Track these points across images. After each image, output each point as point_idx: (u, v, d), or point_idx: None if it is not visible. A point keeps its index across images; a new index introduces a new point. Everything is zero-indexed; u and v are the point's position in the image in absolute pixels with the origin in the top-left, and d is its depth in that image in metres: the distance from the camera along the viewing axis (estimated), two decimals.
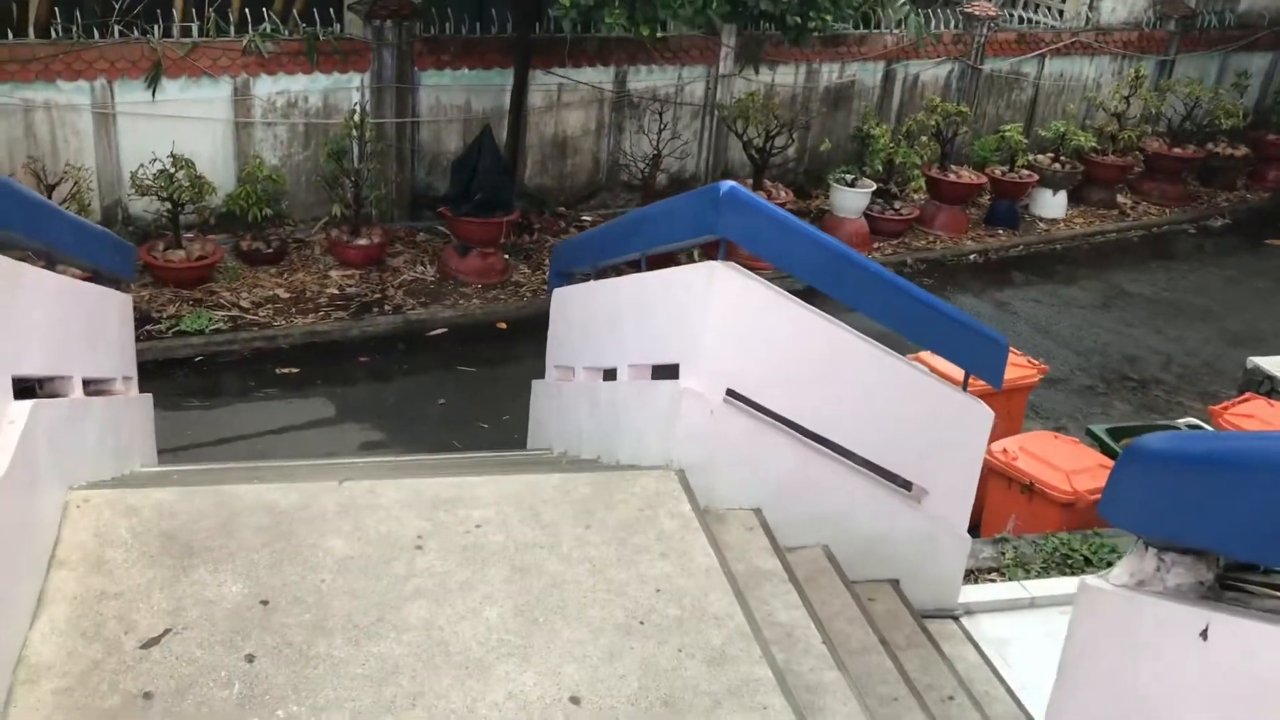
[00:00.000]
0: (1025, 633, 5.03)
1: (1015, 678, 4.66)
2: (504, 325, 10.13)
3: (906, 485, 4.79)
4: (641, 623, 3.44)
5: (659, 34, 11.25)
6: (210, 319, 9.29)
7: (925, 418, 4.54)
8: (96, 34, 9.60)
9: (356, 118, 10.22)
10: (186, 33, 9.91)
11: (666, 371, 4.55)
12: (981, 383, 4.74)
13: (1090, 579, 2.39)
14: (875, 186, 12.42)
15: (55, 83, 9.42)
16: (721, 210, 3.98)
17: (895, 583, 4.76)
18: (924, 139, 12.58)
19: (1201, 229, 14.55)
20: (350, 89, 10.67)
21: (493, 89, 11.35)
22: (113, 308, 5.21)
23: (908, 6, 12.00)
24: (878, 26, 13.36)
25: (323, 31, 10.41)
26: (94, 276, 5.18)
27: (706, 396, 4.19)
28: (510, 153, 11.16)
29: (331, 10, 10.67)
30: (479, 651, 3.24)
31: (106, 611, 3.23)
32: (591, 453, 5.32)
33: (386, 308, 9.92)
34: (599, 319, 5.44)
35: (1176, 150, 14.86)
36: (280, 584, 3.43)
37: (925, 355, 6.19)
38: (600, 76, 11.85)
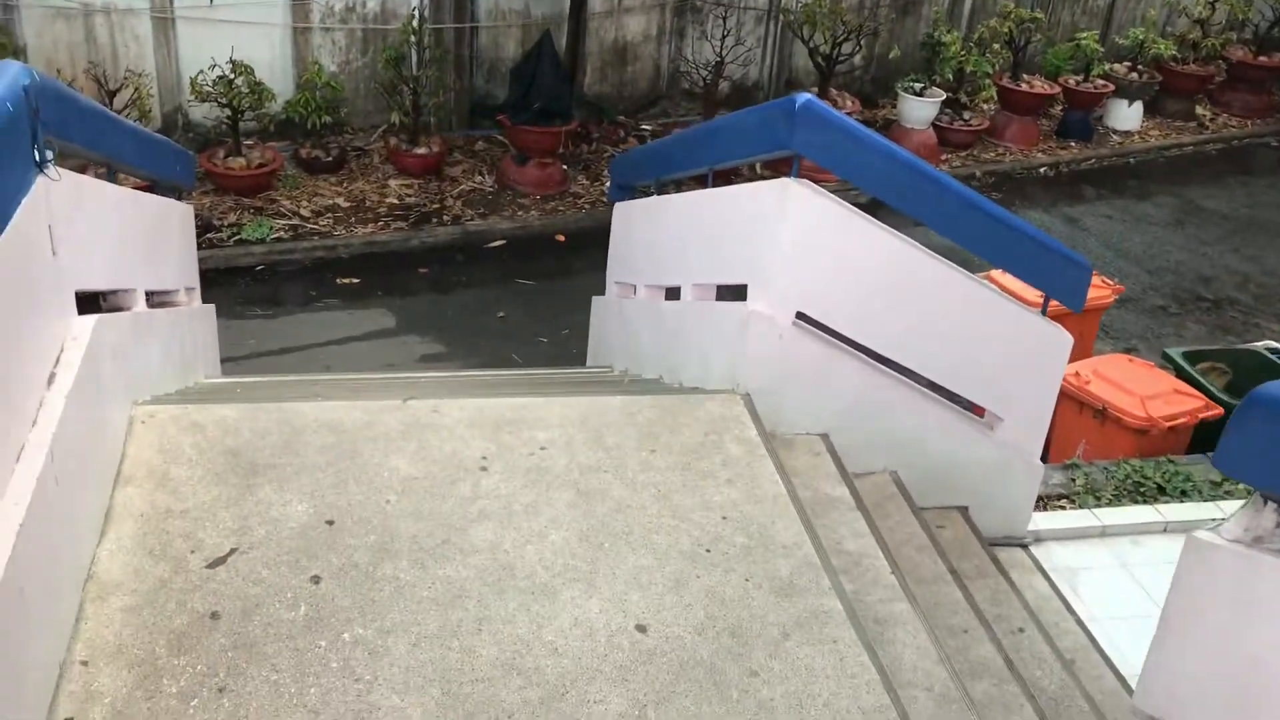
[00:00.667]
0: (1096, 562, 4.93)
1: (1085, 609, 4.58)
2: (562, 238, 10.02)
3: (978, 412, 4.67)
4: (708, 551, 3.38)
5: None
6: (271, 227, 9.27)
7: (1001, 342, 4.40)
8: None
9: (415, 23, 10.03)
10: None
11: (732, 292, 4.43)
12: (1056, 304, 4.58)
13: (1201, 533, 2.27)
14: (944, 96, 12.04)
15: None
16: (796, 125, 3.82)
17: (964, 510, 4.67)
18: (996, 46, 12.13)
19: None
20: None
21: None
22: (174, 218, 5.18)
23: None
24: None
25: None
26: (154, 186, 5.14)
27: (776, 320, 4.08)
28: (570, 59, 10.93)
29: None
30: (545, 576, 3.21)
31: (173, 529, 3.23)
32: (653, 373, 5.25)
33: (445, 218, 9.84)
34: (662, 236, 5.32)
35: (1263, 59, 14.24)
36: (345, 504, 3.41)
37: (995, 274, 6.01)
38: None
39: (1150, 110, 13.70)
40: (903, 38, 12.81)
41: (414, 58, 10.22)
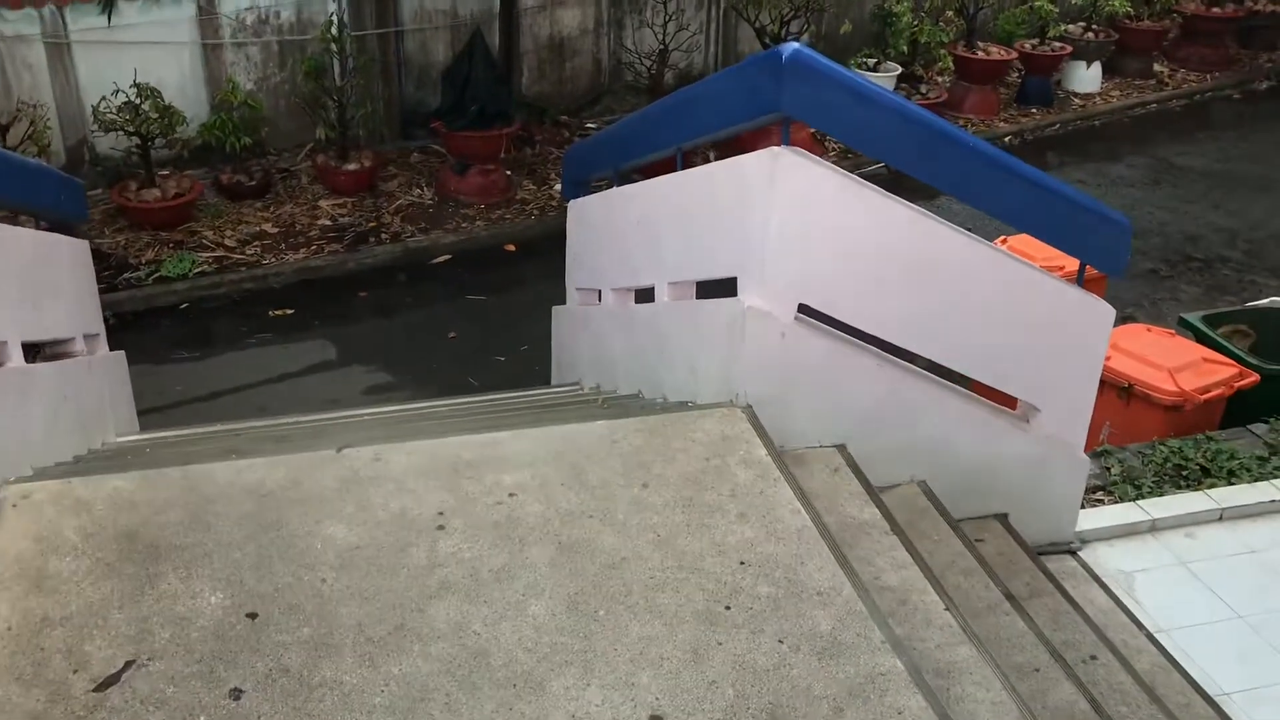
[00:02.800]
0: (1152, 562, 4.33)
1: (1151, 620, 3.97)
2: (513, 247, 9.33)
3: (1010, 404, 4.05)
4: (727, 608, 2.72)
5: None
6: (194, 261, 8.51)
7: (1035, 322, 3.78)
8: None
9: (334, 30, 9.31)
10: None
11: (717, 288, 3.79)
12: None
13: None
14: (900, 70, 11.49)
15: (0, 13, 8.52)
16: (784, 81, 3.18)
17: (1003, 517, 4.05)
18: (950, 14, 11.61)
19: (1246, 94, 13.59)
20: None
21: None
22: (62, 256, 4.46)
23: None
24: None
25: None
26: (41, 221, 4.42)
27: (776, 315, 3.43)
28: (504, 58, 10.26)
29: None
30: (528, 662, 2.53)
31: (51, 644, 2.53)
32: (630, 387, 4.59)
33: (384, 236, 9.12)
34: (629, 232, 4.66)
35: (1215, 10, 13.83)
36: (270, 589, 2.72)
37: (1012, 241, 5.43)
38: None
39: (1109, 70, 13.23)
40: (851, 11, 12.24)
41: (336, 68, 9.51)
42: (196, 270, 8.46)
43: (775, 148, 3.29)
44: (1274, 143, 12.05)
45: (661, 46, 10.33)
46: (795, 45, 3.18)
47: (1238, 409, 5.44)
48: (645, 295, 4.60)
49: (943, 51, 11.79)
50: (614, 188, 4.93)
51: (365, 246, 8.95)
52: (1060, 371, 3.91)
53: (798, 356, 3.50)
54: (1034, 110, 12.41)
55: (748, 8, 10.64)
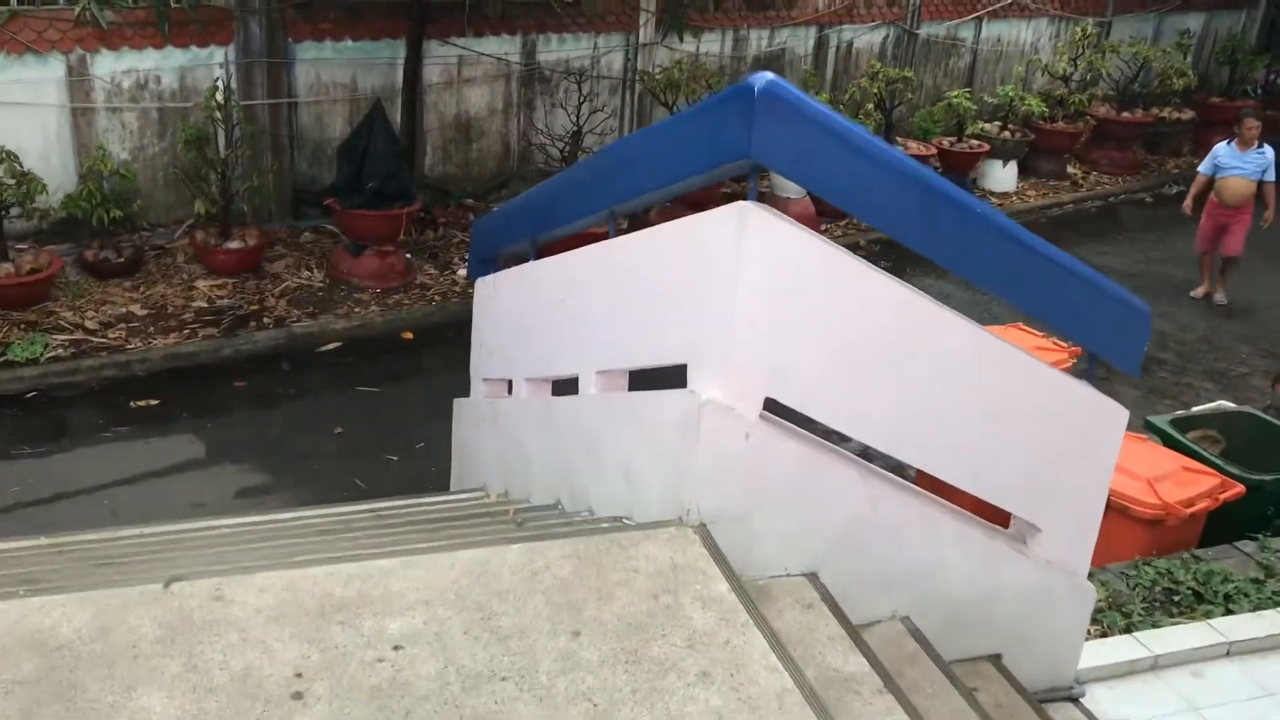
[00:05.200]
0: (1159, 709, 3.68)
1: None
2: (410, 335, 8.55)
3: (1001, 520, 3.41)
4: None
5: None
6: (46, 344, 7.54)
7: (1039, 424, 3.15)
8: None
9: (219, 97, 8.54)
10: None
11: (650, 379, 3.11)
12: None
13: None
14: None
15: None
16: (756, 120, 2.53)
17: (996, 658, 3.37)
18: (869, 107, 11.33)
19: (1158, 197, 13.56)
20: (212, 65, 8.98)
21: (382, 63, 9.77)
22: None
23: None
24: None
25: None
26: None
27: (739, 411, 2.74)
28: (407, 136, 9.59)
29: None
30: None
31: None
32: (547, 496, 3.86)
33: (266, 321, 8.26)
34: (547, 311, 3.96)
35: (1126, 115, 13.87)
36: None
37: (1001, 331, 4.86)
38: (506, 47, 10.35)
39: (1024, 170, 13.11)
40: None
41: (221, 138, 8.71)
42: (49, 354, 7.49)
43: (743, 203, 2.64)
44: (1191, 245, 11.92)
45: (575, 127, 9.77)
46: (769, 77, 2.55)
47: (1215, 521, 4.90)
48: (566, 387, 3.91)
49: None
50: (530, 261, 4.24)
51: (245, 331, 8.09)
52: (1065, 483, 3.28)
53: (764, 463, 2.81)
54: None
55: (664, 91, 10.18)
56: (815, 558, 2.96)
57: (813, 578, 2.96)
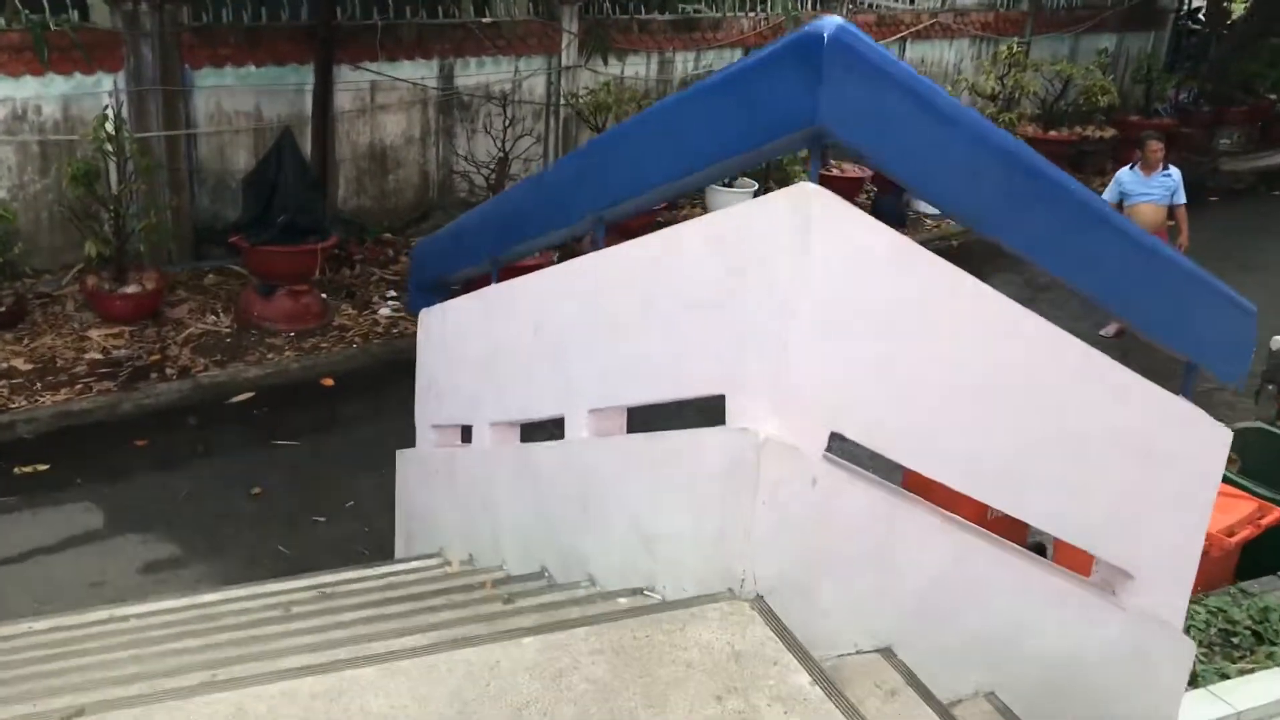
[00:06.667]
0: None
1: None
2: (329, 381, 7.80)
3: (1080, 567, 2.87)
4: None
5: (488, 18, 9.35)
6: None
7: (1133, 450, 2.63)
8: None
9: (109, 128, 7.75)
10: None
11: (647, 414, 2.52)
12: None
13: None
14: (756, 186, 10.67)
15: None
16: (826, 77, 1.97)
17: None
18: None
19: None
20: (100, 94, 8.19)
21: (288, 90, 9.06)
22: None
23: None
24: (733, 10, 11.71)
25: (55, 20, 7.93)
26: None
27: (804, 451, 2.16)
28: (318, 168, 8.89)
29: None
30: None
31: None
32: (527, 562, 3.22)
33: (169, 372, 7.45)
34: (517, 341, 3.34)
35: (1052, 133, 13.74)
36: None
37: None
38: (422, 71, 9.72)
39: None
40: None
41: (113, 173, 7.91)
42: None
43: (806, 185, 2.07)
44: None
45: (502, 154, 9.16)
46: (836, 19, 1.99)
47: (1261, 553, 4.45)
48: (534, 431, 3.31)
49: (798, 168, 11.06)
50: (493, 285, 3.61)
51: (145, 384, 7.27)
52: (1161, 520, 2.76)
53: (833, 516, 2.23)
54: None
55: (593, 114, 9.64)
56: (891, 629, 2.38)
57: (888, 654, 2.37)
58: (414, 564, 3.90)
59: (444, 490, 4.03)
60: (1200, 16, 18.36)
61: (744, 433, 2.16)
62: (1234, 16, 18.18)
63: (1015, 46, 13.35)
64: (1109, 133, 14.68)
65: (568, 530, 2.97)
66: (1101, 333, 9.65)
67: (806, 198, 2.06)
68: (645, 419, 2.76)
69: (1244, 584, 4.24)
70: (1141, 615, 2.80)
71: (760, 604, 2.19)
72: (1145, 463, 2.66)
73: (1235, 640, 3.85)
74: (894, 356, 2.22)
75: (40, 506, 6.08)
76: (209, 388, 7.40)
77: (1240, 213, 14.38)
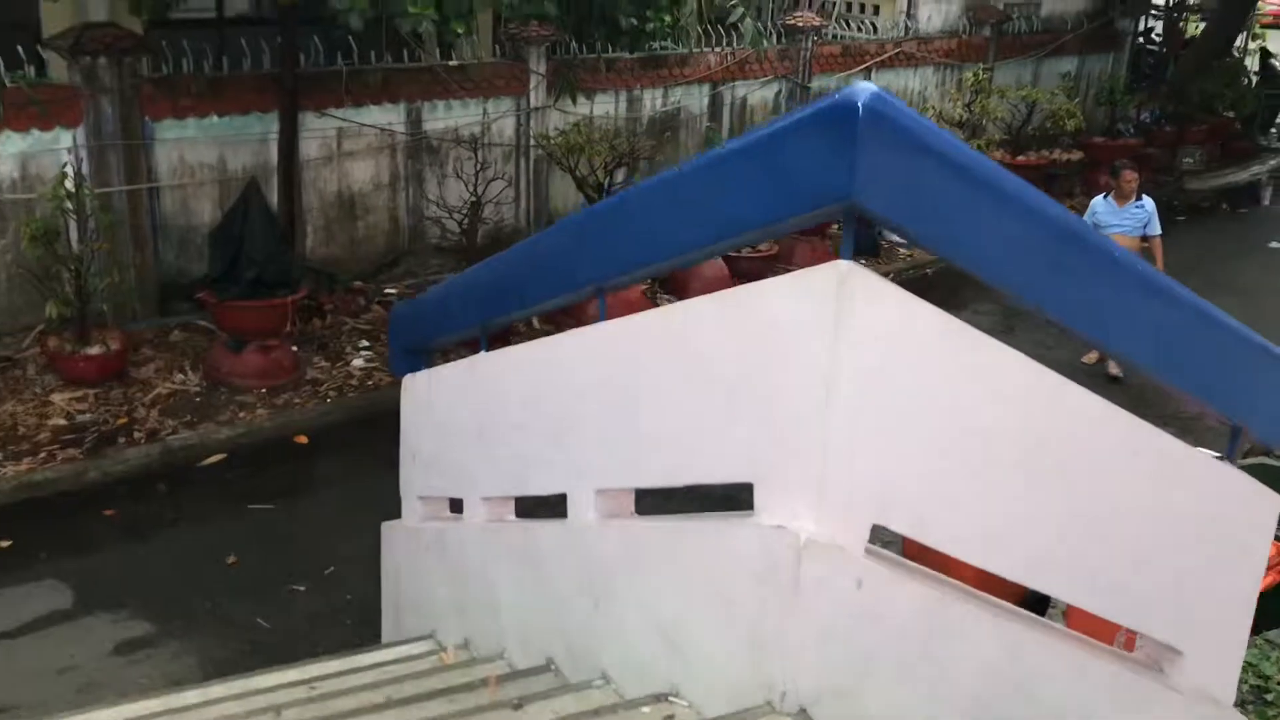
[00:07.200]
0: None
1: None
2: (304, 439, 7.57)
3: (1121, 641, 2.71)
4: None
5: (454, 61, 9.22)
6: None
7: (1181, 522, 2.48)
8: None
9: (69, 185, 7.51)
10: None
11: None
12: None
13: None
14: None
15: None
16: (862, 150, 1.81)
17: None
18: None
19: None
20: (58, 150, 7.93)
21: (253, 140, 8.84)
22: None
23: (742, 9, 10.26)
24: (699, 45, 11.61)
25: (11, 76, 7.70)
26: None
27: (846, 549, 1.99)
28: (285, 218, 8.68)
29: (20, 49, 7.92)
30: None
31: None
32: (530, 653, 3.05)
33: (137, 435, 7.19)
34: (514, 412, 3.15)
35: (1021, 158, 13.72)
36: None
37: None
38: (389, 116, 9.53)
39: None
40: (675, 159, 11.32)
41: (73, 231, 7.66)
42: None
43: (841, 263, 1.91)
44: None
45: (474, 198, 8.98)
46: (870, 87, 1.84)
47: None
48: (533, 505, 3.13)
49: None
50: (482, 353, 3.43)
51: (113, 450, 7.00)
52: (1210, 593, 2.60)
53: (880, 617, 2.06)
54: (863, 260, 11.67)
55: (566, 156, 9.49)
56: None
57: None
58: (406, 649, 3.70)
59: (435, 568, 3.83)
60: (1155, 37, 18.53)
61: (782, 531, 1.98)
62: (1190, 36, 18.35)
63: (980, 73, 13.34)
64: (1076, 155, 14.72)
65: (577, 621, 2.78)
66: (1084, 360, 9.57)
67: (842, 276, 1.90)
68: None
69: (1270, 634, 4.10)
70: (1193, 695, 2.64)
71: (804, 719, 2.01)
72: (1194, 534, 2.51)
73: (1269, 698, 3.71)
74: (938, 441, 2.06)
75: (2, 586, 5.80)
76: (179, 451, 7.14)
77: (1209, 232, 14.47)
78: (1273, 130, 19.18)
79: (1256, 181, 17.43)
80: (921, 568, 2.17)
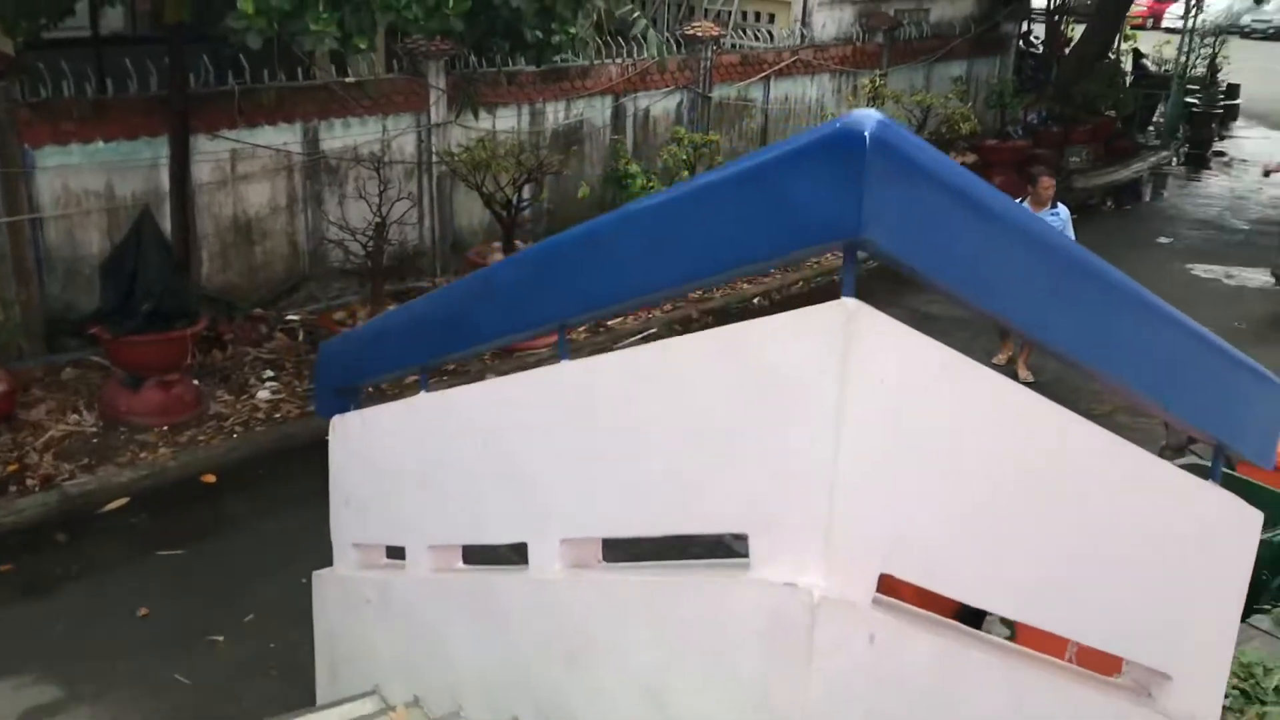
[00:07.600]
0: None
1: None
2: (211, 478, 7.21)
3: (1105, 667, 2.65)
4: None
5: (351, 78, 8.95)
6: None
7: (1168, 546, 2.42)
8: None
9: None
10: None
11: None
12: None
13: None
14: None
15: None
16: (869, 183, 1.69)
17: None
18: (684, 174, 10.78)
19: None
20: None
21: (143, 165, 8.45)
22: None
23: (645, 20, 10.17)
24: (599, 56, 11.49)
25: None
26: None
27: (856, 604, 1.86)
28: (180, 245, 8.30)
29: None
30: None
31: None
32: (492, 711, 2.85)
33: (30, 483, 6.77)
34: (465, 456, 2.97)
35: None
36: None
37: None
38: (284, 136, 9.21)
39: None
40: (584, 173, 11.20)
41: None
42: None
43: (848, 301, 1.79)
44: None
45: (379, 219, 8.70)
46: (875, 114, 1.72)
47: None
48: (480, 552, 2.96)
49: None
50: (422, 393, 3.23)
51: (4, 500, 6.58)
52: (1195, 615, 2.55)
53: (892, 674, 1.94)
54: (773, 270, 11.73)
55: (471, 172, 9.27)
56: None
57: None
58: (350, 709, 3.47)
59: (376, 620, 3.61)
60: (1035, 40, 19.03)
61: (792, 590, 1.84)
62: (1070, 39, 18.87)
63: (877, 79, 13.49)
64: (971, 158, 14.96)
65: (548, 678, 2.61)
66: (994, 360, 9.69)
67: (849, 314, 1.78)
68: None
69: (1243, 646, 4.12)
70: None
71: None
72: (1186, 558, 2.45)
73: (1227, 702, 3.71)
74: (947, 484, 1.95)
75: None
76: (77, 497, 6.74)
77: (1100, 230, 14.81)
78: (1149, 128, 19.86)
79: (1139, 178, 18.01)
80: (927, 613, 2.06)
